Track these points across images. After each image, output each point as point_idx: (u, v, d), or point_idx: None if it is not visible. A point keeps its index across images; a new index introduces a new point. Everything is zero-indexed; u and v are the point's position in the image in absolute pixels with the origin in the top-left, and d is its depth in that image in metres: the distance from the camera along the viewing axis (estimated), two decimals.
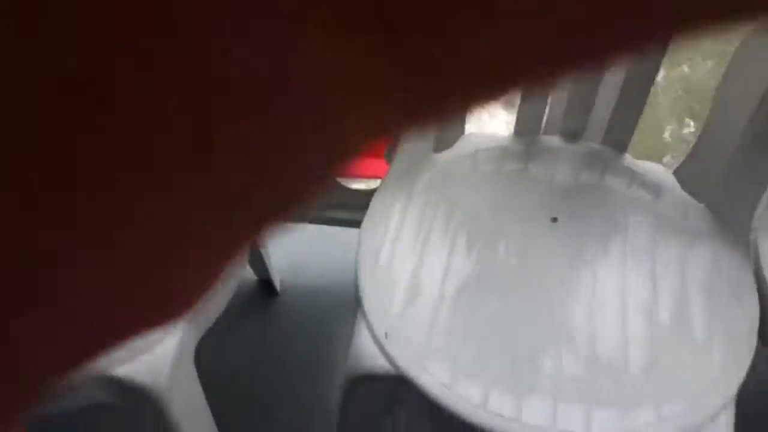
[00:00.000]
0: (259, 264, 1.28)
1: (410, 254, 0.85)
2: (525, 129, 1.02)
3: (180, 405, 0.72)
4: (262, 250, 1.25)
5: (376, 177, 1.19)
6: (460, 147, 1.00)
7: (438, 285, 0.82)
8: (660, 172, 0.98)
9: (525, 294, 0.83)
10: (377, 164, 1.16)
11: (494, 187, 0.95)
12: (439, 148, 1.00)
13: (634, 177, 0.96)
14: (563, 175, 0.97)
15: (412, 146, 0.95)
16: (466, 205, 0.91)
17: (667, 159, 1.70)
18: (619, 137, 0.99)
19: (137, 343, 0.60)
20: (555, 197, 0.95)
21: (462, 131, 1.04)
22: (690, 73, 1.92)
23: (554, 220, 0.92)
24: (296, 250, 1.38)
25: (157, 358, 0.69)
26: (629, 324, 0.81)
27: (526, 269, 0.85)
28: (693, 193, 0.95)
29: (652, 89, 0.97)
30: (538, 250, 0.88)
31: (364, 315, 0.77)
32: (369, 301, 0.80)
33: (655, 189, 0.95)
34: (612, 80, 0.96)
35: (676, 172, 1.00)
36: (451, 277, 0.83)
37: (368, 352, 0.73)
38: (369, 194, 1.11)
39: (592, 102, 0.99)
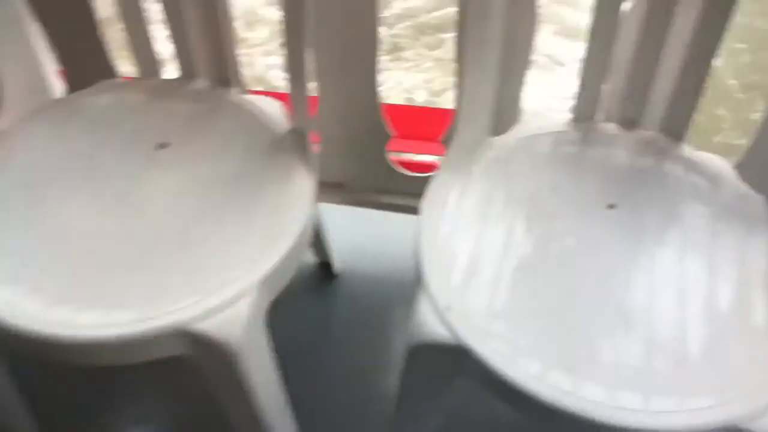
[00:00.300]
0: (320, 247, 1.32)
1: (469, 232, 0.87)
2: (582, 116, 1.03)
3: (252, 362, 0.76)
4: (323, 234, 1.29)
5: (433, 165, 1.22)
6: (517, 131, 1.02)
7: (497, 262, 0.84)
8: (718, 162, 0.98)
9: (583, 276, 0.84)
10: (437, 149, 1.18)
11: (552, 171, 0.96)
12: (496, 132, 1.02)
13: (691, 166, 0.97)
14: (620, 162, 0.98)
15: (470, 130, 0.98)
16: (523, 187, 0.93)
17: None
18: (676, 126, 1.00)
19: (214, 301, 0.64)
20: (612, 184, 0.96)
21: (519, 116, 1.06)
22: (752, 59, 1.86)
23: (611, 206, 0.93)
24: (355, 236, 1.42)
25: (232, 316, 0.73)
26: (688, 311, 0.81)
27: (584, 252, 0.87)
28: (752, 184, 0.95)
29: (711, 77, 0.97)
30: (595, 235, 0.89)
31: (426, 288, 0.79)
32: (430, 275, 0.82)
33: (713, 179, 0.95)
34: (669, 67, 0.97)
35: (737, 165, 1.00)
36: (510, 255, 0.85)
37: (430, 322, 0.76)
38: (426, 181, 1.14)
39: (649, 90, 1.00)
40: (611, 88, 1.06)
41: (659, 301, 0.82)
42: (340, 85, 1.19)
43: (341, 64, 1.16)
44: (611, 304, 0.81)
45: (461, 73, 0.94)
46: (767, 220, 0.91)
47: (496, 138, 1.01)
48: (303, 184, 0.91)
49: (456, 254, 0.84)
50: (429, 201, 0.91)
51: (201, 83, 1.07)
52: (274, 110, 1.02)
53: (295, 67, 0.94)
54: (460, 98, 0.96)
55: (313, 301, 1.35)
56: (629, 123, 1.02)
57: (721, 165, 0.99)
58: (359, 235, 1.42)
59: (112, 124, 1.02)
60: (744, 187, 0.95)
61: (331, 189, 1.34)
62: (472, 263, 0.84)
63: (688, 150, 1.00)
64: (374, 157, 1.28)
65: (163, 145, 0.98)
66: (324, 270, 1.38)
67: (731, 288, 0.84)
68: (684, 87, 0.97)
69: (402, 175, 1.30)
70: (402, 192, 1.32)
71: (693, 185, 0.95)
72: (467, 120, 0.96)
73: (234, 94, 1.05)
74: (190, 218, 0.87)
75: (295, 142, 0.97)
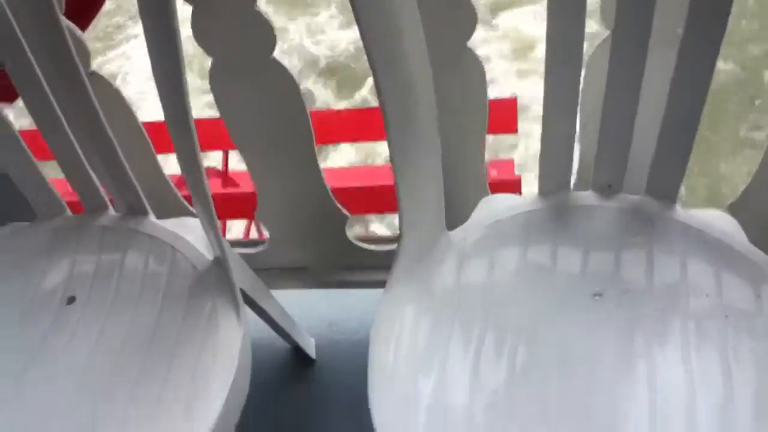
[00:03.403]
0: (289, 338, 1.20)
1: (430, 367, 0.72)
2: (551, 186, 0.87)
3: None
4: (290, 325, 1.17)
5: None
6: (477, 218, 0.87)
7: (465, 403, 0.70)
8: (721, 221, 0.82)
9: (569, 399, 0.70)
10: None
11: (523, 264, 0.81)
12: (452, 222, 0.87)
13: (689, 234, 0.81)
14: (602, 240, 0.82)
15: (417, 234, 0.83)
16: (491, 291, 0.78)
17: None
18: (664, 185, 0.84)
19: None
20: (596, 268, 0.80)
21: (483, 190, 0.91)
22: None
23: (597, 295, 0.79)
24: (329, 318, 1.31)
25: None
26: (700, 428, 0.67)
27: (569, 372, 0.72)
28: (761, 244, 0.79)
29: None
30: (581, 340, 0.74)
31: None
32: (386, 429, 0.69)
33: (718, 247, 0.79)
34: (649, 117, 0.81)
35: (734, 210, 0.84)
36: (480, 393, 0.70)
37: None
38: (389, 255, 1.00)
39: (628, 145, 0.83)
40: (583, 148, 0.90)
41: (663, 420, 0.67)
42: (278, 179, 1.05)
43: (277, 160, 1.02)
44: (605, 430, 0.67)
45: (395, 176, 0.78)
46: None
47: (454, 232, 0.85)
48: (230, 334, 0.77)
49: (416, 403, 0.70)
50: (378, 331, 0.76)
51: (108, 217, 0.93)
52: (194, 236, 0.89)
53: (197, 193, 0.80)
54: (399, 201, 0.80)
55: (291, 387, 1.24)
56: (608, 188, 0.86)
57: (726, 224, 0.82)
58: (332, 316, 1.30)
59: (17, 276, 0.89)
60: (756, 253, 0.79)
61: (296, 273, 1.21)
62: (437, 410, 0.70)
63: (681, 212, 0.83)
64: (333, 238, 1.14)
65: (71, 299, 0.85)
66: (301, 355, 1.26)
67: (752, 394, 0.69)
68: (670, 139, 0.80)
69: (366, 250, 1.16)
70: (369, 267, 1.18)
71: (692, 255, 0.79)
72: (412, 224, 0.81)
73: (146, 224, 0.91)
74: (101, 399, 0.75)
75: (218, 277, 0.84)
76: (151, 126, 1.02)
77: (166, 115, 0.72)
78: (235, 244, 1.31)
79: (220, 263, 0.85)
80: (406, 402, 0.70)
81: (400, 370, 0.72)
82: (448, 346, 0.74)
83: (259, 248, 1.16)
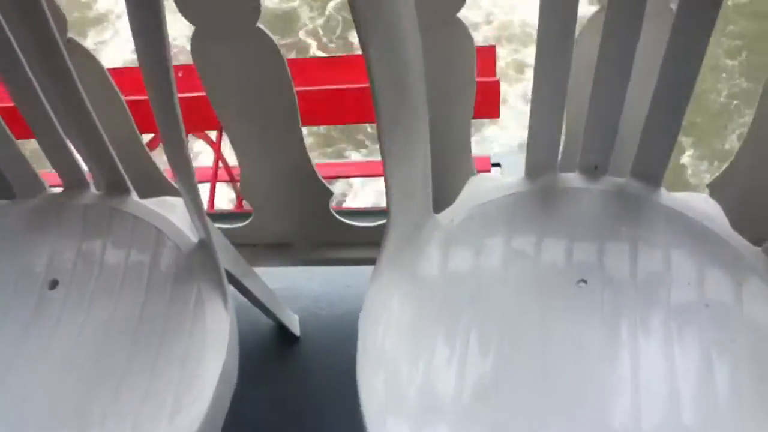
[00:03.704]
0: (272, 316, 1.19)
1: (417, 358, 0.73)
2: (538, 167, 0.87)
3: None
4: (273, 302, 1.16)
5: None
6: (464, 200, 0.86)
7: (452, 390, 0.71)
8: (704, 205, 0.83)
9: (555, 386, 0.71)
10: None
11: (507, 253, 0.81)
12: (439, 202, 0.87)
13: (673, 219, 0.81)
14: (588, 224, 0.83)
15: (405, 217, 0.82)
16: (475, 285, 0.78)
17: None
18: (650, 168, 0.84)
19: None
20: (580, 254, 0.81)
21: (470, 172, 0.91)
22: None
23: (582, 282, 0.79)
24: (312, 294, 1.30)
25: None
26: (683, 417, 0.68)
27: (554, 355, 0.73)
28: (742, 229, 0.80)
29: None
30: (566, 328, 0.75)
31: None
32: (376, 421, 0.70)
33: (701, 234, 0.80)
34: (638, 97, 0.80)
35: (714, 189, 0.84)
36: (467, 380, 0.71)
37: None
38: (376, 230, 1.00)
39: (614, 129, 0.83)
40: (569, 129, 0.90)
41: (648, 410, 0.69)
42: (262, 152, 1.03)
43: (261, 133, 1.00)
44: (590, 421, 0.69)
45: (383, 156, 0.77)
46: (765, 281, 0.76)
47: (441, 215, 0.85)
48: (217, 323, 0.76)
49: (404, 390, 0.71)
50: (366, 318, 0.77)
51: (89, 195, 0.91)
52: (178, 216, 0.87)
53: (181, 174, 0.78)
54: (386, 183, 0.80)
55: (277, 366, 1.24)
56: (594, 170, 0.86)
57: (709, 208, 0.83)
58: (317, 293, 1.30)
59: None
60: (735, 238, 0.80)
61: (280, 250, 1.20)
62: (424, 397, 0.71)
63: (666, 195, 0.84)
64: (317, 214, 1.13)
65: (54, 284, 0.84)
66: (285, 332, 1.26)
67: (732, 380, 0.71)
68: (657, 122, 0.80)
69: (350, 226, 1.15)
70: (353, 243, 1.18)
71: (677, 243, 0.80)
72: (400, 207, 0.80)
73: (129, 203, 0.90)
74: (87, 390, 0.74)
75: (204, 260, 0.83)
76: (132, 103, 0.99)
77: (148, 90, 0.70)
78: (218, 217, 1.30)
79: (205, 245, 0.84)
80: (394, 389, 0.70)
81: (389, 358, 0.72)
82: (436, 335, 0.74)
83: (243, 223, 1.15)
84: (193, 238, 0.86)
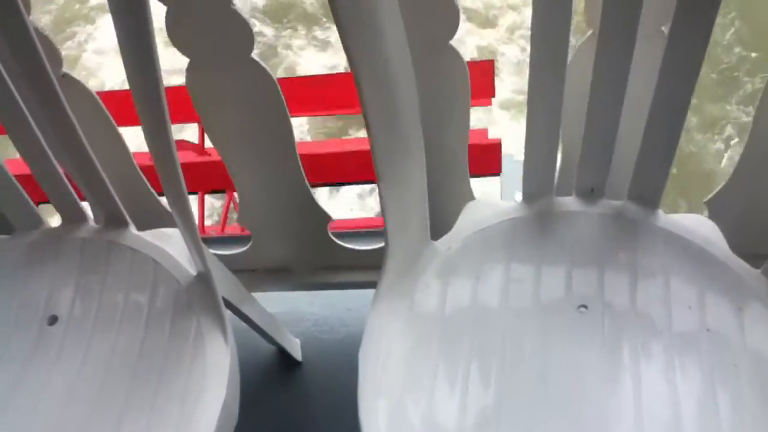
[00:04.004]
0: (274, 342, 1.19)
1: (419, 389, 0.73)
2: (535, 191, 0.87)
3: None
4: (275, 328, 1.16)
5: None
6: (462, 227, 0.86)
7: (454, 422, 0.70)
8: (702, 228, 0.83)
9: (557, 415, 0.71)
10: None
11: (506, 280, 0.81)
12: (437, 229, 0.87)
13: (671, 242, 0.81)
14: (586, 248, 0.83)
15: (402, 246, 0.82)
16: (475, 314, 0.78)
17: None
18: (647, 190, 0.84)
19: None
20: (580, 279, 0.81)
21: (467, 198, 0.91)
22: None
23: (582, 307, 0.79)
24: (313, 318, 1.30)
25: None
26: None
27: (556, 383, 0.73)
28: (741, 251, 0.80)
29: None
30: (567, 354, 0.75)
31: None
32: None
33: (700, 257, 0.80)
34: (633, 119, 0.80)
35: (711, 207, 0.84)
36: (469, 411, 0.71)
37: None
38: (376, 253, 0.99)
39: (612, 148, 0.83)
40: (565, 152, 0.90)
41: None
42: (259, 179, 1.03)
43: (257, 161, 1.00)
44: None
45: (379, 187, 0.77)
46: (766, 304, 0.76)
47: (439, 242, 0.85)
48: (217, 358, 0.76)
49: (406, 422, 0.71)
50: (366, 349, 0.76)
51: (87, 229, 0.92)
52: (176, 248, 0.87)
53: (177, 207, 0.78)
54: (384, 213, 0.80)
55: (277, 391, 1.24)
56: (591, 193, 0.86)
57: (708, 230, 0.83)
58: (318, 318, 1.30)
59: None
60: (735, 261, 0.79)
61: (279, 275, 1.20)
62: (426, 427, 0.71)
63: (664, 218, 0.84)
64: (316, 238, 1.13)
65: (53, 319, 0.84)
66: (286, 357, 1.26)
67: (736, 409, 0.70)
68: (653, 144, 0.80)
69: (350, 249, 1.15)
70: (353, 267, 1.18)
71: (675, 265, 0.80)
72: (397, 236, 0.80)
73: (127, 236, 0.90)
74: (86, 427, 0.74)
75: (203, 292, 0.83)
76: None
77: (142, 122, 0.70)
78: (216, 242, 1.30)
79: (203, 278, 0.84)
80: (396, 421, 0.70)
81: (390, 390, 0.72)
82: (436, 365, 0.74)
83: (242, 249, 1.15)
84: (192, 271, 0.86)
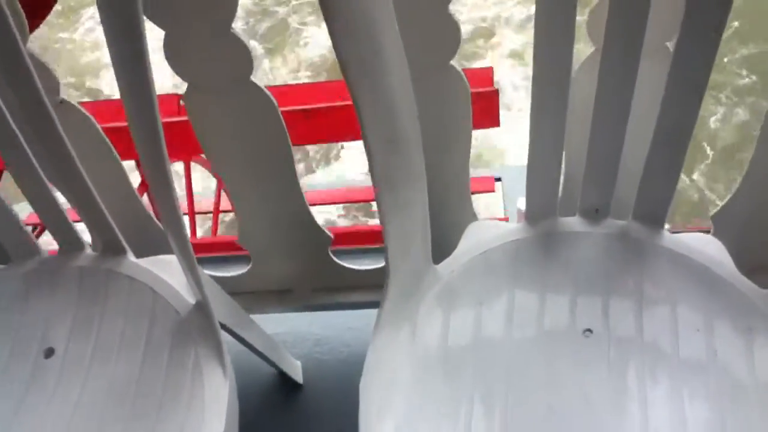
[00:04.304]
0: (274, 365, 1.17)
1: (423, 420, 0.71)
2: (538, 211, 0.86)
3: None
4: (274, 350, 1.15)
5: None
6: (464, 250, 0.85)
7: None
8: (708, 247, 0.81)
9: None
10: None
11: (511, 298, 0.80)
12: (440, 250, 0.86)
13: (677, 263, 0.80)
14: (591, 270, 0.81)
15: (408, 259, 0.81)
16: (479, 341, 0.76)
17: None
18: (652, 209, 0.83)
19: None
20: (585, 302, 0.79)
21: (465, 224, 0.89)
22: None
23: (588, 332, 0.78)
24: (314, 339, 1.29)
25: None
26: None
27: (562, 410, 0.71)
28: (747, 270, 0.79)
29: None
30: (573, 380, 0.73)
31: None
32: None
33: (707, 278, 0.78)
34: (637, 137, 0.79)
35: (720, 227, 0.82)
36: None
37: None
38: (377, 273, 0.98)
39: (616, 167, 0.82)
40: (568, 172, 0.89)
41: None
42: (259, 202, 1.02)
43: (257, 183, 0.99)
44: None
45: (380, 211, 0.76)
46: None
47: (441, 265, 0.84)
48: (216, 391, 0.75)
49: None
50: (368, 380, 0.75)
51: (85, 257, 0.90)
52: (174, 276, 0.86)
53: (175, 235, 0.77)
54: (385, 238, 0.78)
55: (278, 415, 1.22)
56: (595, 213, 0.85)
57: (714, 249, 0.82)
58: (316, 334, 1.28)
59: None
60: (742, 281, 0.78)
61: (279, 296, 1.18)
62: None
63: (669, 238, 0.83)
64: (317, 259, 1.12)
65: (49, 352, 0.82)
66: (287, 379, 1.24)
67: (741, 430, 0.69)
68: (658, 162, 0.79)
69: (351, 270, 1.14)
70: (354, 287, 1.16)
71: (681, 287, 0.79)
72: (399, 260, 0.79)
73: (125, 264, 0.88)
74: None
75: (201, 322, 0.81)
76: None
77: (138, 149, 0.69)
78: (215, 261, 1.29)
79: (201, 306, 0.82)
80: None
81: (393, 422, 0.70)
82: (440, 400, 0.73)
83: (241, 271, 1.13)
84: (190, 299, 0.84)
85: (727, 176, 4.32)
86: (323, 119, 2.34)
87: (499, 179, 3.12)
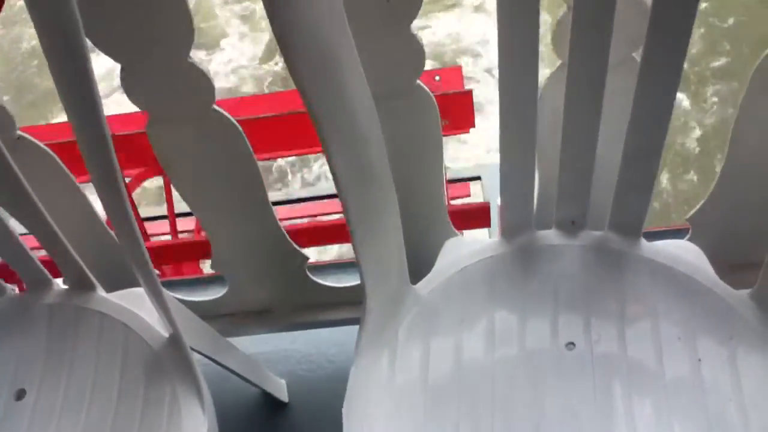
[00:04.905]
0: (255, 385, 1.16)
1: None
2: (514, 226, 0.85)
3: None
4: (256, 370, 1.13)
5: None
6: (442, 268, 0.83)
7: None
8: (687, 254, 0.81)
9: None
10: None
11: (491, 316, 0.78)
12: (418, 268, 0.84)
13: (656, 271, 0.79)
14: (570, 283, 0.80)
15: (385, 283, 0.80)
16: (460, 362, 0.75)
17: None
18: (628, 219, 0.82)
19: None
20: (566, 315, 0.78)
21: (441, 241, 0.88)
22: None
23: (570, 345, 0.77)
24: (297, 356, 1.27)
25: None
26: None
27: (548, 429, 0.71)
28: (726, 274, 0.78)
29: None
30: (558, 397, 0.72)
31: None
32: None
33: (686, 286, 0.78)
34: (610, 148, 0.78)
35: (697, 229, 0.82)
36: None
37: None
38: (357, 289, 0.97)
39: (589, 179, 0.81)
40: (542, 185, 0.88)
41: None
42: (231, 227, 1.00)
43: (227, 208, 0.97)
44: None
45: (354, 241, 0.74)
46: (755, 330, 0.74)
47: (419, 285, 0.82)
48: (194, 427, 0.73)
49: None
50: (350, 409, 0.73)
51: (53, 293, 0.88)
52: (146, 309, 0.84)
53: (140, 269, 0.74)
54: (359, 263, 0.76)
55: None
56: (572, 225, 0.84)
57: (692, 255, 0.81)
58: (297, 351, 1.27)
59: None
60: (722, 287, 0.78)
61: (259, 317, 1.17)
62: None
63: (647, 246, 0.82)
64: (294, 279, 1.10)
65: (21, 393, 0.80)
66: (272, 399, 1.22)
67: None
68: (632, 171, 0.78)
69: (329, 288, 1.12)
70: (334, 304, 1.15)
71: (661, 296, 0.78)
72: (375, 285, 0.77)
73: (95, 299, 0.86)
74: None
75: (176, 356, 0.79)
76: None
77: (93, 180, 0.66)
78: (190, 284, 1.26)
79: (176, 339, 0.80)
80: None
81: None
82: (424, 423, 0.71)
83: (218, 295, 1.11)
84: (164, 332, 0.82)
85: None
86: (297, 126, 2.32)
87: (477, 178, 3.12)
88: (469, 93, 2.27)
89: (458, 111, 2.23)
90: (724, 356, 0.73)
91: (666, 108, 0.72)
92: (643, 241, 0.82)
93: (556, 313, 0.78)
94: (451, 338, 0.77)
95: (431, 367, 0.75)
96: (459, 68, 2.61)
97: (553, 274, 0.81)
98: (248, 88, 5.28)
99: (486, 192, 2.97)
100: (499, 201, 0.88)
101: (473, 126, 2.37)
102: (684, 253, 0.81)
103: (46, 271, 0.88)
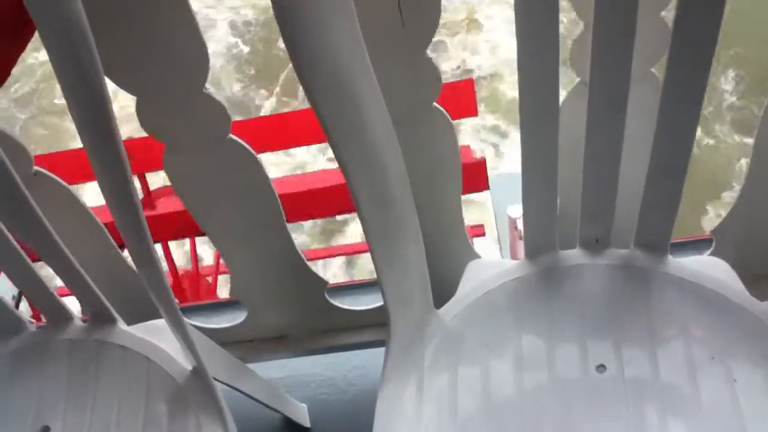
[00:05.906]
0: (276, 411, 1.14)
1: None
2: (537, 247, 0.84)
3: None
4: (276, 396, 1.11)
5: None
6: (465, 292, 0.82)
7: None
8: (714, 270, 0.79)
9: None
10: None
11: (518, 340, 0.77)
12: (441, 293, 0.83)
13: (685, 289, 0.78)
14: (597, 303, 0.79)
15: (409, 310, 0.78)
16: (488, 388, 0.74)
17: None
18: (654, 236, 0.80)
19: None
20: (595, 337, 0.77)
21: (463, 264, 0.87)
22: None
23: (601, 367, 0.75)
24: (318, 380, 1.26)
25: None
26: None
27: None
28: (754, 288, 0.76)
29: None
30: (590, 419, 0.71)
31: None
32: None
33: (716, 303, 0.76)
34: (634, 164, 0.77)
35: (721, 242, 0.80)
36: None
37: None
38: (377, 311, 0.96)
39: (613, 196, 0.80)
40: (565, 204, 0.86)
41: None
42: (249, 255, 0.99)
43: (246, 236, 0.96)
44: None
45: (376, 269, 0.73)
46: None
47: (443, 309, 0.81)
48: None
49: None
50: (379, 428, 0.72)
51: (74, 329, 0.87)
52: (168, 342, 0.83)
53: (163, 302, 0.74)
54: (382, 290, 0.75)
55: None
56: (596, 243, 0.83)
57: (717, 273, 0.80)
58: (318, 375, 1.26)
59: None
60: (753, 303, 0.76)
61: (277, 343, 1.15)
62: None
63: (674, 264, 0.80)
64: (313, 304, 1.09)
65: (45, 431, 0.79)
66: (293, 424, 1.21)
67: None
68: (657, 188, 0.77)
69: (348, 311, 1.11)
70: (354, 327, 1.14)
71: (691, 314, 0.76)
72: (399, 310, 0.76)
73: (116, 333, 0.85)
74: None
75: (200, 388, 0.78)
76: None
77: (114, 216, 0.65)
78: (208, 311, 1.25)
79: (199, 371, 0.79)
80: None
81: None
82: None
83: (237, 321, 1.10)
84: (186, 364, 0.81)
85: None
86: (317, 200, 2.40)
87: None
88: (471, 81, 2.35)
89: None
90: (760, 376, 0.71)
91: (691, 124, 0.71)
92: (670, 258, 0.80)
93: (584, 335, 0.77)
94: (478, 365, 0.75)
95: (459, 396, 0.73)
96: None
97: (579, 295, 0.80)
98: None
99: (495, 204, 2.96)
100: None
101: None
102: (712, 269, 0.79)
103: (65, 304, 0.87)
